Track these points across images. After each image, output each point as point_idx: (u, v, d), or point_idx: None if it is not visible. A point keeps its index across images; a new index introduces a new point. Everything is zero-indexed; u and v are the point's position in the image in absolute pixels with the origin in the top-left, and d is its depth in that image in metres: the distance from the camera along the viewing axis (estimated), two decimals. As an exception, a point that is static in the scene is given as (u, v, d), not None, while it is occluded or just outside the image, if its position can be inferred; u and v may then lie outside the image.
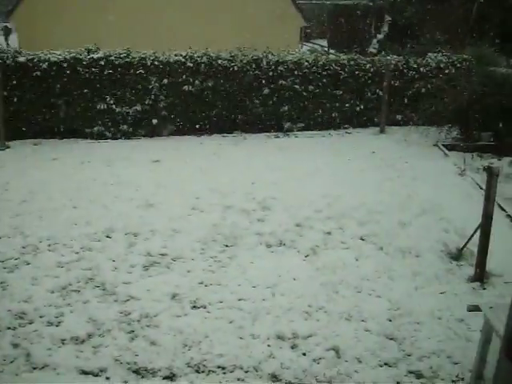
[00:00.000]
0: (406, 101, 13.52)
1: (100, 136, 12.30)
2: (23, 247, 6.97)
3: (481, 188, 8.84)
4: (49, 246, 7.01)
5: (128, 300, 5.84)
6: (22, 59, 11.83)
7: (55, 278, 6.20)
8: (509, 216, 8.01)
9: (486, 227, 6.12)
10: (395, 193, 9.03)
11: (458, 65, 13.76)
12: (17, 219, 7.81)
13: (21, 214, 7.98)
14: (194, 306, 5.76)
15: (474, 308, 4.62)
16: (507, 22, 21.11)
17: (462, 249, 6.90)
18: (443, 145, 11.84)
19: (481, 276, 6.25)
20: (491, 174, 5.99)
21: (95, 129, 12.31)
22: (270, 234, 7.42)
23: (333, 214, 8.11)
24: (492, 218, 6.10)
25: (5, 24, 37.61)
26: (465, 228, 7.38)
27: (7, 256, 6.72)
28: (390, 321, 5.55)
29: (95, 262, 6.60)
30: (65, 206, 8.28)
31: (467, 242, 6.80)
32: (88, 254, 6.82)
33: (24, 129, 11.97)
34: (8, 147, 11.50)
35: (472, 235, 6.63)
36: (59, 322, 5.45)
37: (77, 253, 6.84)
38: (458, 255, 6.87)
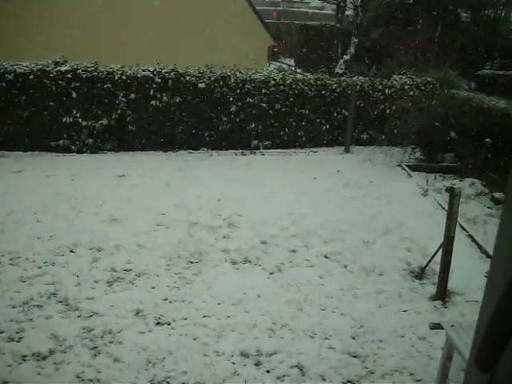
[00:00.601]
0: (371, 121, 13.74)
1: (65, 149, 12.19)
2: (-16, 261, 6.85)
3: (443, 208, 8.99)
4: (11, 260, 6.89)
5: (91, 316, 5.76)
6: (-14, 70, 11.70)
7: (17, 293, 6.10)
8: (470, 236, 8.16)
9: (447, 246, 6.23)
10: (360, 212, 9.14)
11: (422, 87, 14.05)
12: (-22, 232, 7.68)
13: (-18, 228, 7.85)
14: (159, 323, 5.72)
15: (436, 326, 4.69)
16: (468, 47, 21.66)
17: (425, 268, 7.01)
18: (407, 165, 12.03)
19: (443, 294, 6.35)
20: (453, 195, 6.11)
21: (61, 142, 12.19)
22: (235, 251, 7.43)
23: (298, 232, 8.17)
24: (454, 238, 6.21)
25: None
26: (427, 247, 7.52)
27: (-33, 270, 6.60)
28: (354, 338, 5.60)
29: (58, 276, 6.51)
30: (28, 220, 8.16)
31: (429, 261, 6.91)
32: (51, 268, 6.72)
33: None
34: (-30, 159, 11.32)
35: (434, 254, 6.74)
36: (20, 338, 5.35)
37: (40, 267, 6.74)
38: (420, 274, 6.98)
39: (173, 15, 18.98)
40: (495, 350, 1.00)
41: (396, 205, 9.51)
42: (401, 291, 6.57)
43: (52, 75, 11.95)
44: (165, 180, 10.43)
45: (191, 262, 7.10)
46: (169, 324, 5.70)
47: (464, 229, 8.31)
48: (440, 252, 6.42)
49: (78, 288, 6.29)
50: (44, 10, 18.21)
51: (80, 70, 12.10)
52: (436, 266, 6.65)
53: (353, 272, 7.04)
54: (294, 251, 7.55)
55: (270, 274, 6.91)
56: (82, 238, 7.58)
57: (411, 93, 13.80)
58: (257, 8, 23.60)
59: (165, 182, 10.28)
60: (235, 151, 12.98)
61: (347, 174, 11.37)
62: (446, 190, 9.11)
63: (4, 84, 11.74)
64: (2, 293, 6.10)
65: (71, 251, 7.22)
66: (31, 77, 11.85)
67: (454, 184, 10.03)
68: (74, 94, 12.07)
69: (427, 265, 6.98)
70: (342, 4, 20.25)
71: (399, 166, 12.10)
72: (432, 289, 6.58)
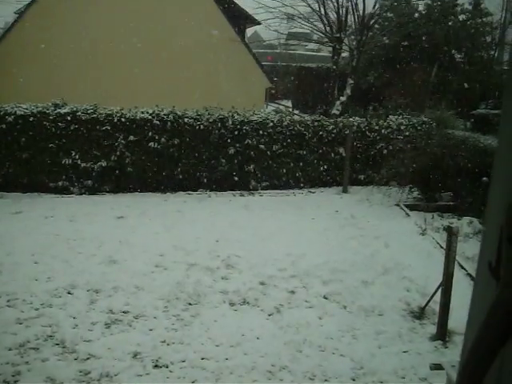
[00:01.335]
0: (368, 161, 13.83)
1: (64, 191, 12.23)
2: (-19, 303, 6.80)
3: (441, 247, 8.98)
4: (8, 301, 6.84)
5: (88, 358, 5.69)
6: (-13, 112, 11.83)
7: (13, 335, 6.04)
8: (469, 275, 8.13)
9: (446, 286, 6.21)
10: (358, 252, 9.13)
11: (418, 127, 14.20)
12: (-25, 274, 7.64)
13: (-21, 269, 7.81)
14: (156, 366, 5.65)
15: (437, 367, 4.65)
16: (463, 87, 21.95)
17: (424, 307, 6.97)
18: (405, 205, 12.07)
19: (443, 334, 6.30)
20: (451, 234, 6.12)
21: (60, 183, 12.25)
22: (233, 293, 7.39)
23: (297, 273, 8.14)
24: (452, 277, 6.20)
25: None
26: (426, 287, 7.49)
27: (-37, 312, 6.54)
28: (354, 380, 5.53)
29: (55, 318, 6.45)
30: (26, 261, 8.13)
31: (429, 301, 6.88)
32: (48, 310, 6.67)
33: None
34: (-32, 200, 11.35)
35: (433, 294, 6.71)
36: (16, 381, 5.26)
37: (37, 309, 6.68)
38: (420, 314, 6.94)
39: (171, 58, 19.26)
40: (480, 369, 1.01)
41: (394, 244, 9.50)
42: (401, 331, 6.52)
43: (52, 117, 12.08)
44: (163, 221, 10.43)
45: (189, 304, 7.05)
46: (167, 367, 5.63)
47: (463, 267, 8.29)
48: (439, 291, 6.40)
49: (75, 330, 6.23)
50: (44, 54, 18.48)
51: (79, 112, 12.23)
52: (436, 305, 6.61)
53: (352, 312, 6.99)
54: (292, 292, 7.51)
55: (269, 315, 6.86)
56: (79, 279, 7.54)
57: (407, 133, 13.93)
58: (254, 51, 24.01)
59: (163, 224, 10.28)
60: (233, 192, 13.03)
61: (345, 214, 11.39)
62: (444, 229, 9.11)
63: (4, 126, 11.86)
64: (-1, 335, 6.05)
65: (69, 293, 7.18)
66: (31, 119, 11.98)
67: (452, 223, 10.01)
68: (74, 136, 12.16)
69: (427, 304, 6.94)
70: (337, 46, 20.55)
71: (397, 205, 12.13)
72: (432, 329, 6.53)
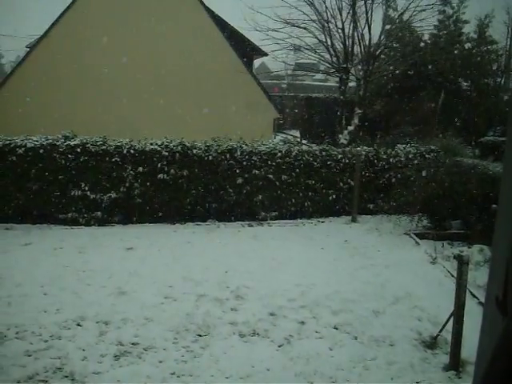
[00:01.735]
0: (377, 190, 13.82)
1: (74, 222, 12.27)
2: (-11, 335, 6.78)
3: (452, 276, 8.92)
4: (17, 333, 6.81)
5: (97, 391, 5.66)
6: (-2, 144, 11.95)
7: (22, 368, 6.00)
8: (481, 303, 8.04)
9: (458, 315, 6.15)
10: (368, 281, 9.07)
11: (427, 155, 14.20)
12: (-16, 306, 7.64)
13: (-11, 301, 7.81)
14: (166, 398, 5.60)
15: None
16: (470, 115, 22.01)
17: (436, 337, 6.89)
18: (414, 233, 12.01)
19: (456, 364, 6.22)
20: (462, 262, 6.09)
21: (69, 215, 12.29)
22: (243, 324, 7.34)
23: (306, 303, 8.08)
24: (464, 306, 6.14)
25: None
26: (438, 316, 7.41)
27: (-28, 345, 6.52)
28: (366, 412, 5.46)
29: (64, 350, 6.42)
30: (35, 293, 8.12)
31: (441, 330, 6.80)
32: (57, 342, 6.64)
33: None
34: (-21, 232, 11.41)
35: (445, 323, 6.64)
36: (25, 415, 5.24)
37: (46, 341, 6.66)
38: (432, 344, 6.86)
39: (180, 90, 19.45)
40: None
41: (405, 273, 9.44)
42: (413, 362, 6.44)
43: (62, 149, 12.18)
44: (172, 252, 10.43)
45: (199, 335, 7.00)
46: (176, 399, 5.58)
47: (475, 296, 8.21)
48: (451, 320, 6.33)
49: (84, 362, 6.19)
50: (54, 87, 18.71)
51: (89, 144, 12.33)
52: (448, 334, 6.54)
53: (363, 343, 6.92)
54: (302, 323, 7.45)
55: (279, 346, 6.80)
56: (89, 311, 7.52)
57: (416, 161, 13.93)
58: (261, 82, 24.22)
59: (172, 255, 10.27)
60: (242, 222, 13.03)
61: (355, 244, 11.36)
62: (455, 258, 9.05)
63: (14, 158, 11.96)
64: (8, 367, 6.00)
65: (78, 325, 7.15)
66: (41, 151, 12.08)
67: (463, 251, 9.89)
68: (83, 168, 12.24)
69: (439, 334, 6.87)
70: (344, 76, 20.70)
71: (407, 234, 12.08)
72: (445, 359, 6.44)
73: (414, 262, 10.16)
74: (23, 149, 12.01)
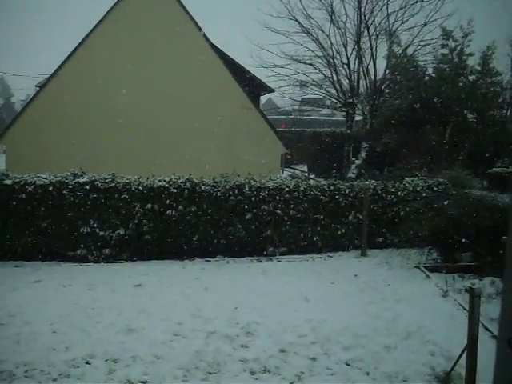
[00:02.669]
0: (385, 224, 13.77)
1: (83, 259, 12.28)
2: (-1, 373, 6.73)
3: (464, 309, 8.83)
4: (26, 372, 6.76)
5: (107, 431, 5.58)
6: (8, 182, 12.03)
7: (31, 408, 5.95)
8: (494, 337, 7.94)
9: (472, 349, 6.07)
10: (379, 316, 8.97)
11: (435, 188, 14.19)
12: (-7, 344, 7.60)
13: (-3, 339, 7.78)
14: None
15: None
16: (477, 146, 22.04)
17: (450, 372, 6.78)
18: (424, 266, 11.93)
19: (470, 401, 6.12)
20: (473, 295, 6.03)
21: (78, 252, 12.31)
22: (253, 361, 7.26)
23: (317, 339, 8.00)
24: (477, 340, 6.06)
25: None
26: (451, 350, 7.31)
27: (-19, 383, 6.48)
28: None
29: (73, 390, 6.37)
30: (44, 331, 8.07)
31: (454, 365, 6.70)
32: (66, 380, 6.58)
33: (6, 250, 11.94)
34: (-12, 269, 11.42)
35: (459, 357, 6.55)
36: None
37: (54, 380, 6.60)
38: (446, 379, 6.75)
39: (188, 127, 19.62)
40: None
41: (416, 307, 9.35)
42: (426, 398, 6.34)
43: (71, 186, 12.25)
44: (181, 289, 10.38)
45: (209, 373, 6.93)
46: None
47: (488, 329, 8.11)
48: (465, 355, 6.24)
49: (93, 402, 6.13)
50: (63, 124, 18.92)
51: (98, 182, 12.40)
52: (462, 369, 6.44)
53: (375, 379, 6.82)
54: (313, 359, 7.36)
55: (290, 383, 6.71)
56: (98, 349, 7.47)
57: (424, 194, 13.92)
58: (268, 117, 24.41)
59: (181, 291, 10.22)
60: (251, 258, 12.99)
61: (365, 278, 11.28)
62: (466, 291, 8.97)
63: (24, 196, 12.04)
64: (16, 408, 5.96)
65: (87, 363, 7.09)
66: (50, 188, 12.16)
67: (474, 284, 9.90)
68: (92, 205, 12.29)
69: (452, 369, 6.76)
70: (350, 111, 20.84)
71: (417, 267, 12.00)
72: (459, 395, 6.34)
73: (425, 295, 10.07)
74: (33, 186, 12.09)
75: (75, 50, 20.05)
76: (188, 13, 20.47)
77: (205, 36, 20.67)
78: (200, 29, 20.50)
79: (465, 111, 24.96)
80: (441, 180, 14.65)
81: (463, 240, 11.68)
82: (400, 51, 21.89)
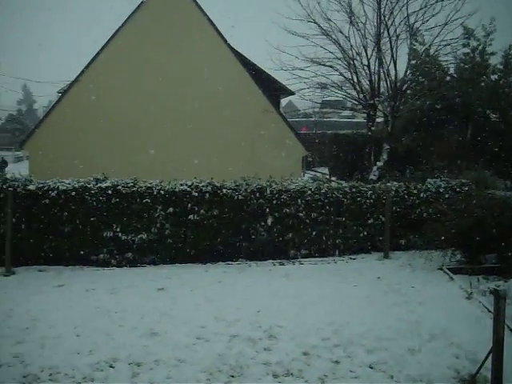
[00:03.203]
0: (408, 226, 13.67)
1: (105, 263, 12.36)
2: (24, 376, 6.76)
3: (489, 311, 8.72)
4: (50, 375, 6.81)
5: (131, 435, 5.60)
6: (31, 187, 12.16)
7: (56, 412, 5.99)
8: (520, 340, 7.84)
9: (497, 352, 5.99)
10: (403, 318, 8.90)
11: (458, 189, 14.05)
12: (18, 347, 7.65)
13: (22, 342, 7.83)
14: None
15: None
16: (500, 146, 21.77)
17: (476, 375, 6.70)
18: (448, 268, 11.82)
19: (496, 404, 6.03)
20: (499, 297, 5.95)
21: (101, 256, 12.40)
22: (276, 364, 7.23)
23: (340, 342, 7.95)
24: (503, 342, 5.98)
25: (1, 156, 39.54)
26: (476, 353, 7.22)
27: (6, 386, 6.53)
28: None
29: (97, 393, 6.41)
30: (68, 335, 8.14)
31: (480, 368, 6.61)
32: (90, 384, 6.63)
33: (30, 255, 12.06)
34: (13, 273, 11.58)
35: (484, 360, 6.47)
36: None
37: (78, 383, 6.63)
38: (471, 382, 6.66)
39: (209, 131, 19.69)
40: None
41: (440, 310, 9.25)
42: (451, 402, 6.27)
43: (93, 191, 12.35)
44: (204, 292, 10.40)
45: (232, 376, 6.92)
46: None
47: (513, 333, 8.00)
48: (490, 357, 6.16)
49: (117, 405, 6.16)
50: (85, 131, 19.10)
51: (120, 186, 12.48)
52: (487, 372, 6.35)
53: (399, 382, 6.76)
54: (337, 362, 7.32)
55: (314, 386, 6.68)
56: (121, 352, 7.50)
57: (447, 195, 13.80)
58: (289, 120, 24.38)
59: (204, 295, 10.24)
60: (273, 261, 12.98)
61: (387, 281, 11.21)
62: (491, 293, 8.86)
63: (47, 201, 12.16)
64: (42, 412, 6.00)
65: (110, 366, 7.13)
66: (73, 193, 12.26)
67: (499, 285, 9.78)
68: (115, 210, 12.37)
69: (478, 372, 6.67)
70: (371, 113, 20.72)
71: (440, 269, 11.90)
72: (485, 398, 6.26)
73: (448, 297, 9.97)
74: (56, 191, 12.20)
75: (97, 55, 20.25)
76: (209, 18, 20.56)
77: (225, 40, 20.74)
78: (220, 33, 20.57)
79: (487, 111, 24.67)
80: (463, 181, 14.52)
81: (487, 241, 11.56)
82: (421, 51, 21.72)
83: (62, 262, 12.24)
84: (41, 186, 12.26)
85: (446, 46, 20.64)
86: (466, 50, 24.17)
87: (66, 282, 11.00)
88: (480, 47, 24.12)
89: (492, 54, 24.69)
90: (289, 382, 6.80)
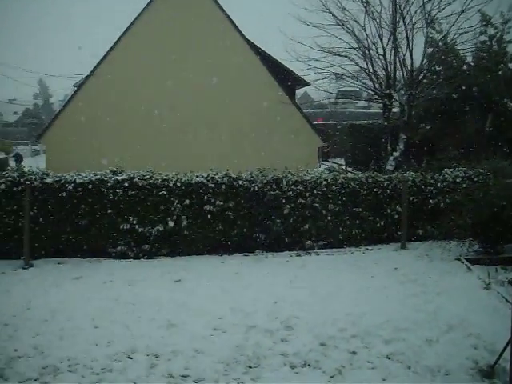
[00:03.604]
0: (425, 216, 13.59)
1: (123, 255, 12.41)
2: (43, 367, 6.83)
3: (507, 301, 8.67)
4: (69, 366, 6.87)
5: (149, 425, 5.63)
6: (49, 180, 12.24)
7: (75, 402, 6.05)
8: (539, 331, 7.77)
9: (516, 343, 5.95)
10: (420, 309, 8.87)
11: (475, 179, 13.93)
12: (37, 339, 7.73)
13: (41, 334, 7.91)
14: (218, 431, 5.54)
15: None
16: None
17: (494, 366, 6.66)
18: (466, 259, 11.74)
19: (515, 395, 5.99)
20: (517, 288, 5.91)
21: (118, 248, 12.45)
22: (294, 355, 7.24)
23: (357, 333, 7.94)
24: (522, 333, 5.94)
25: (16, 151, 39.95)
26: (495, 343, 7.16)
27: (26, 376, 6.58)
28: None
29: (116, 383, 6.45)
30: (86, 326, 8.21)
31: (498, 359, 6.58)
32: (108, 375, 6.66)
33: (48, 248, 12.15)
34: (32, 266, 11.66)
35: (503, 351, 6.43)
36: None
37: (97, 374, 6.69)
38: (489, 373, 6.62)
39: (225, 123, 19.70)
40: None
41: (457, 300, 9.20)
42: (470, 392, 6.23)
43: (110, 184, 12.39)
44: (221, 284, 10.43)
45: (249, 367, 6.94)
46: (228, 432, 5.51)
47: (532, 323, 7.93)
48: (509, 348, 6.12)
49: (135, 396, 6.20)
50: (101, 124, 19.18)
51: (136, 179, 12.52)
52: (506, 363, 6.31)
53: (417, 373, 6.73)
54: (354, 353, 7.31)
55: (331, 377, 6.67)
56: (139, 343, 7.55)
57: (464, 185, 13.69)
58: (305, 111, 24.29)
59: (221, 286, 10.27)
60: (290, 252, 12.97)
61: (405, 271, 11.16)
62: (510, 283, 8.81)
63: (64, 194, 12.22)
64: (61, 402, 6.06)
65: (128, 357, 7.18)
66: (90, 186, 12.31)
67: (517, 276, 9.70)
68: (131, 202, 12.42)
69: (496, 362, 6.64)
70: (387, 102, 20.58)
71: (458, 259, 11.82)
72: (503, 389, 6.22)
73: (466, 288, 9.90)
74: (73, 185, 12.26)
75: (112, 48, 20.31)
76: (223, 10, 20.53)
77: (240, 32, 20.70)
78: (235, 25, 20.54)
79: (505, 100, 24.39)
80: (481, 170, 14.37)
81: (505, 231, 11.46)
82: (438, 39, 21.50)
83: (80, 255, 12.31)
84: (58, 179, 12.32)
85: (462, 34, 20.45)
86: (484, 37, 23.87)
87: (84, 275, 11.08)
88: (498, 35, 23.81)
89: (510, 41, 24.37)
90: (306, 372, 6.81)
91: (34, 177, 12.26)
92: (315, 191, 13.24)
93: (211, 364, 6.98)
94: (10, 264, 11.74)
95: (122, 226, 12.42)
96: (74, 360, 7.04)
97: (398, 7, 19.66)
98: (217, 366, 6.92)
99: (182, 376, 6.68)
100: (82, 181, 12.34)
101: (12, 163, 32.62)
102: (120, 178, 12.51)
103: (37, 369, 6.80)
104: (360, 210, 13.54)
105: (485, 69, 23.15)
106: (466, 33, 20.40)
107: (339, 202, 13.40)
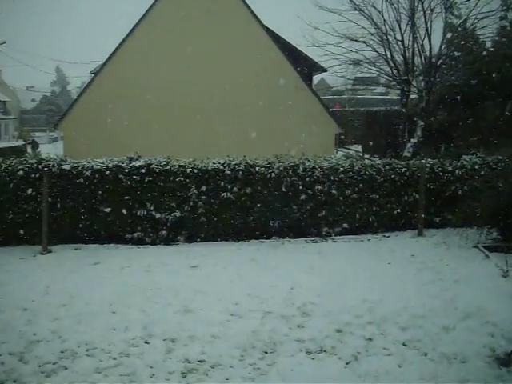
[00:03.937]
0: (442, 203, 13.50)
1: (140, 241, 12.48)
2: (61, 351, 6.90)
3: (526, 290, 8.60)
4: (87, 350, 6.94)
5: (166, 409, 5.68)
6: (66, 167, 12.30)
7: (93, 385, 6.11)
8: (558, 319, 7.71)
9: (534, 331, 5.90)
10: (437, 296, 8.83)
11: (494, 166, 13.79)
12: (56, 323, 7.81)
13: (60, 318, 7.99)
14: (234, 416, 5.57)
15: None
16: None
17: (511, 354, 6.62)
18: (484, 246, 11.64)
19: (533, 383, 5.96)
20: (536, 276, 5.86)
21: (135, 234, 12.51)
22: (310, 341, 7.25)
23: (374, 319, 7.93)
24: (540, 321, 5.90)
25: (32, 138, 40.31)
26: (512, 332, 7.13)
27: (45, 360, 6.65)
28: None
29: (133, 368, 6.49)
30: (104, 311, 8.28)
31: (516, 347, 6.54)
32: (126, 359, 6.72)
33: (66, 234, 12.24)
34: (50, 251, 11.76)
35: (520, 339, 6.39)
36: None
37: (115, 358, 6.75)
38: (507, 360, 6.59)
39: (242, 110, 19.66)
40: None
41: (475, 288, 9.14)
42: (486, 380, 6.20)
43: (127, 170, 12.44)
44: (237, 270, 10.46)
45: (265, 353, 6.96)
46: (244, 417, 5.55)
47: (550, 311, 7.88)
48: (526, 336, 6.08)
49: (152, 379, 6.25)
50: (119, 111, 19.24)
51: (153, 165, 12.55)
52: (523, 351, 6.28)
53: (433, 360, 6.72)
54: (370, 339, 7.31)
55: (347, 363, 6.68)
56: (156, 328, 7.60)
57: (482, 172, 13.56)
58: (321, 97, 24.17)
59: (237, 272, 10.30)
60: (306, 239, 12.97)
61: (422, 258, 11.12)
62: (528, 271, 8.74)
63: (82, 180, 12.29)
64: (79, 385, 6.12)
65: (146, 342, 7.23)
66: (107, 172, 12.37)
67: (536, 264, 9.62)
68: (148, 188, 12.46)
69: (513, 351, 6.61)
70: (405, 89, 20.42)
71: (476, 247, 11.74)
72: (521, 377, 6.19)
73: (484, 275, 9.83)
74: (90, 171, 12.33)
75: (128, 35, 20.32)
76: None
77: (256, 17, 20.61)
78: (252, 11, 20.45)
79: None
80: (500, 157, 14.22)
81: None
82: (457, 24, 21.26)
83: (98, 241, 12.40)
84: (75, 165, 12.39)
85: (482, 19, 20.18)
86: (505, 23, 23.56)
87: (102, 260, 11.16)
88: (518, 20, 23.50)
89: (531, 27, 24.04)
90: (322, 358, 6.82)
91: (51, 163, 12.33)
92: (332, 178, 13.20)
93: (227, 349, 7.01)
94: (28, 250, 11.87)
95: (139, 213, 12.48)
96: (91, 344, 7.10)
97: (416, -9, 19.45)
98: (233, 352, 6.95)
99: (199, 361, 6.71)
100: (99, 167, 12.40)
101: (29, 150, 32.94)
102: (137, 164, 12.55)
103: (55, 353, 6.86)
104: (377, 196, 13.48)
105: (504, 55, 22.85)
106: (485, 18, 20.14)
107: (356, 188, 13.35)
